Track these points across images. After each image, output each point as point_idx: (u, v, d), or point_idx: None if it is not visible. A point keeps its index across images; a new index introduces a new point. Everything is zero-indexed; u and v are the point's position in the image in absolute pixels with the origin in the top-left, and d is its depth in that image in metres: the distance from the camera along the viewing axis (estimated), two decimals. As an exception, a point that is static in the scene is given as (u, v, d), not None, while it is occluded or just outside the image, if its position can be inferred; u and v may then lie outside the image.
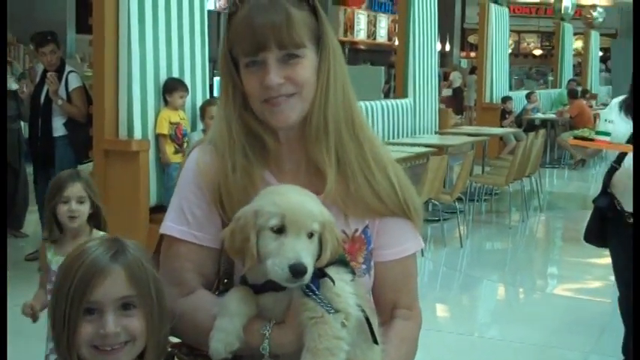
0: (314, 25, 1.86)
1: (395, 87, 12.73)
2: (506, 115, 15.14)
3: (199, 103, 6.90)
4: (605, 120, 4.55)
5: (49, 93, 7.43)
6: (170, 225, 1.95)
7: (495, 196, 11.99)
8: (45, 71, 7.68)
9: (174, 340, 1.94)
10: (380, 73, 19.71)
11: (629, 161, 4.47)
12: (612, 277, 4.93)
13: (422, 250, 8.30)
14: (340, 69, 1.91)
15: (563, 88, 19.27)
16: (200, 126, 6.88)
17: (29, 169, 8.42)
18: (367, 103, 10.61)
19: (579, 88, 18.34)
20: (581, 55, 24.17)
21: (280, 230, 1.73)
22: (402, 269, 2.00)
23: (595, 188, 10.84)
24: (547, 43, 35.25)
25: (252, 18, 1.81)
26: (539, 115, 16.65)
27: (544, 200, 12.18)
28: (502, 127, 14.65)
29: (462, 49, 35.50)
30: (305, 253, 1.71)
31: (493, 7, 15.08)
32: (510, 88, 17.76)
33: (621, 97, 4.75)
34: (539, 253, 9.75)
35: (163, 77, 6.51)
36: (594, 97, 20.93)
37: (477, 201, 11.11)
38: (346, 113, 1.91)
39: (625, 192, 4.50)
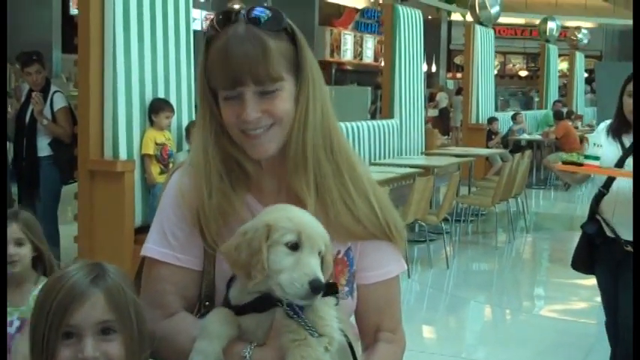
0: (292, 54, 1.84)
1: (381, 107, 12.75)
2: (492, 136, 15.17)
3: (185, 123, 6.88)
4: (594, 144, 4.50)
5: (34, 113, 7.40)
6: (151, 247, 1.93)
7: (482, 217, 11.99)
8: (30, 91, 7.66)
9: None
10: (366, 94, 19.76)
11: (617, 185, 4.45)
12: (598, 299, 4.92)
13: (408, 271, 8.35)
14: (320, 94, 1.88)
15: (549, 109, 19.34)
16: (186, 146, 6.86)
17: (14, 189, 8.37)
18: (354, 123, 10.64)
19: (565, 109, 18.41)
20: (567, 77, 24.27)
21: (295, 246, 1.72)
22: (386, 292, 1.98)
23: (581, 209, 10.88)
24: (532, 65, 35.43)
25: (228, 52, 1.78)
26: (525, 136, 16.69)
27: (530, 221, 12.19)
28: (488, 147, 14.68)
29: (449, 69, 35.61)
30: (319, 270, 1.71)
31: (479, 28, 15.15)
32: (496, 109, 17.80)
33: (608, 122, 4.74)
34: (526, 274, 9.74)
35: (149, 97, 6.49)
36: (580, 118, 21.02)
37: (464, 222, 11.11)
38: (325, 139, 1.88)
39: (614, 216, 4.49)
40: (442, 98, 25.37)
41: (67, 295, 1.69)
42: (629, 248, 4.40)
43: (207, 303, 1.90)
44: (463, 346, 6.75)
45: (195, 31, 7.38)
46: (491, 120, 15.31)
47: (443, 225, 9.48)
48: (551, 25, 20.85)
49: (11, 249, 3.39)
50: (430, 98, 24.50)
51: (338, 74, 28.94)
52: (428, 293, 8.33)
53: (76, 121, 6.92)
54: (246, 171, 1.89)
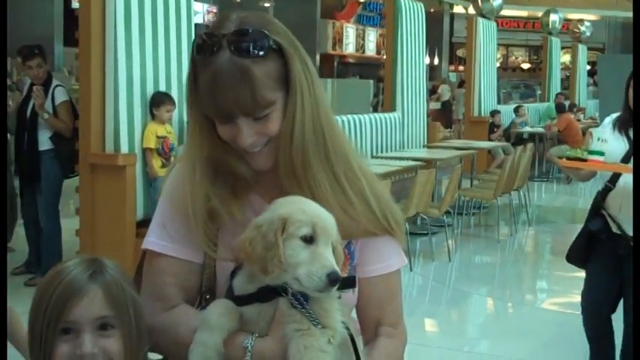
0: (280, 69, 1.80)
1: (383, 100, 12.73)
2: (495, 129, 15.15)
3: (186, 116, 6.84)
4: (599, 139, 4.37)
5: (35, 107, 7.38)
6: (152, 240, 1.93)
7: (484, 210, 11.98)
8: (32, 85, 7.64)
9: (157, 356, 1.93)
10: (368, 87, 19.75)
11: (624, 180, 4.39)
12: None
13: (410, 264, 8.36)
14: (310, 102, 1.85)
15: (551, 102, 19.31)
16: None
17: (17, 183, 8.37)
18: (356, 116, 10.62)
19: (567, 102, 18.38)
20: (569, 69, 24.23)
21: (310, 239, 1.72)
22: (387, 286, 1.98)
23: (584, 202, 10.87)
24: (535, 57, 35.40)
25: (216, 89, 1.76)
26: (528, 129, 16.66)
27: (532, 214, 12.18)
28: (490, 140, 14.66)
29: (451, 62, 35.61)
30: (335, 262, 1.72)
31: (481, 21, 15.11)
32: (499, 102, 17.78)
33: (614, 115, 4.65)
34: (528, 267, 9.74)
35: (150, 91, 6.48)
36: (582, 110, 20.99)
37: (466, 215, 11.12)
38: (318, 146, 1.86)
39: (620, 212, 4.44)
40: (444, 91, 25.33)
41: (65, 290, 1.69)
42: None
43: (207, 296, 1.90)
44: (465, 340, 6.75)
45: (196, 24, 7.36)
46: (494, 113, 15.29)
47: (445, 218, 9.47)
48: (553, 17, 20.82)
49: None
50: (432, 91, 24.47)
51: (340, 67, 28.97)
52: (430, 286, 8.32)
53: (77, 115, 6.91)
54: (243, 175, 1.89)
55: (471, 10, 16.19)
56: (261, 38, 1.77)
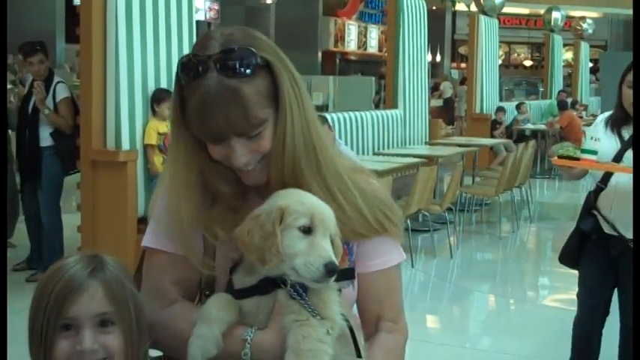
0: (269, 85, 1.78)
1: (385, 97, 12.73)
2: (497, 126, 15.14)
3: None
4: (592, 137, 4.27)
5: (36, 102, 7.39)
6: (150, 237, 1.94)
7: (486, 207, 11.98)
8: (34, 81, 7.64)
9: (156, 353, 1.93)
10: (370, 84, 19.75)
11: (616, 180, 4.34)
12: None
13: (412, 260, 8.36)
14: (299, 116, 1.82)
15: (554, 99, 19.30)
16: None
17: (18, 179, 8.38)
18: (357, 113, 10.63)
19: (569, 99, 18.37)
20: (571, 66, 24.22)
21: (308, 230, 1.72)
22: (386, 281, 1.97)
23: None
24: (537, 54, 35.41)
25: (205, 113, 1.74)
26: (530, 126, 16.66)
27: (534, 211, 12.18)
28: (493, 137, 14.65)
29: (453, 59, 35.61)
30: (332, 253, 1.72)
31: (483, 18, 15.11)
32: (501, 99, 17.78)
33: (607, 113, 4.60)
34: (530, 264, 9.73)
35: (151, 88, 6.47)
36: (584, 107, 20.98)
37: (467, 211, 11.11)
38: (309, 159, 1.84)
39: (611, 212, 4.41)
40: (446, 88, 25.36)
41: (65, 287, 1.69)
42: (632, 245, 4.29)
43: (207, 292, 1.89)
44: (467, 336, 6.75)
45: (198, 22, 7.35)
46: (498, 109, 15.28)
47: (447, 215, 9.47)
48: (555, 14, 20.82)
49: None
50: (434, 88, 24.48)
51: (342, 64, 28.98)
52: (432, 283, 8.32)
53: (78, 111, 6.90)
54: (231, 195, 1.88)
55: (473, 8, 16.17)
56: (248, 56, 1.74)
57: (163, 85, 6.54)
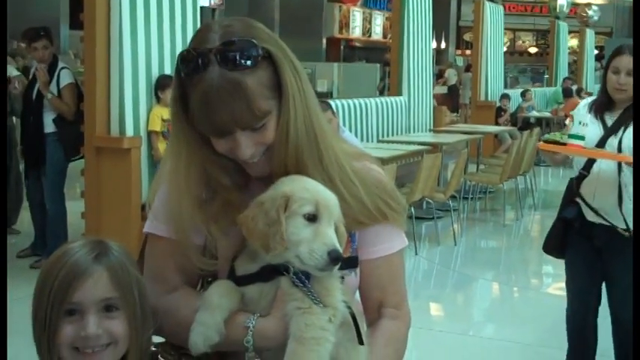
0: (272, 76, 1.76)
1: (390, 84, 12.72)
2: (502, 113, 15.12)
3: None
4: (580, 122, 4.18)
5: (39, 85, 7.39)
6: (152, 223, 1.94)
7: (490, 195, 11.95)
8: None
9: (159, 339, 1.92)
10: (375, 71, 19.71)
11: (598, 167, 4.28)
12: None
13: (415, 248, 8.36)
14: (302, 105, 1.81)
15: (559, 87, 19.26)
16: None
17: (22, 166, 8.40)
18: (362, 100, 10.62)
19: (574, 87, 18.33)
20: (577, 53, 24.16)
21: (313, 218, 1.72)
22: (388, 267, 1.97)
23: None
24: (542, 41, 35.30)
25: (209, 108, 1.73)
26: (534, 114, 16.63)
27: (539, 199, 12.16)
28: (498, 124, 14.63)
29: (458, 46, 35.54)
30: (337, 241, 1.71)
31: (488, 5, 15.06)
32: (505, 86, 17.74)
33: (590, 98, 4.57)
34: (534, 251, 9.70)
35: (155, 74, 6.47)
36: (589, 94, 20.92)
37: (472, 199, 11.10)
38: (312, 150, 1.83)
39: (594, 200, 4.33)
40: (451, 75, 25.28)
41: (69, 272, 1.68)
42: (628, 234, 4.24)
43: (209, 279, 1.90)
44: (470, 324, 6.74)
45: (202, 7, 7.34)
46: (503, 97, 15.25)
47: (451, 202, 9.46)
48: (561, 1, 20.76)
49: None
50: (439, 75, 24.43)
51: (346, 51, 28.94)
52: (435, 270, 8.32)
53: (82, 97, 6.90)
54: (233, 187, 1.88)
55: (478, -6, 16.13)
56: (248, 47, 1.72)
57: (167, 71, 6.53)
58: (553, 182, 14.88)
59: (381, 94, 17.10)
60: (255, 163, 1.82)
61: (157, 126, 6.51)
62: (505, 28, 17.19)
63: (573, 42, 26.15)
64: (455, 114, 20.82)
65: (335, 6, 27.46)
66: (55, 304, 1.67)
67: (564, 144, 4.18)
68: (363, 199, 1.88)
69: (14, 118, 8.59)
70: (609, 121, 4.32)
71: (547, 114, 16.92)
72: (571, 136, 4.16)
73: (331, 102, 8.87)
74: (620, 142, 4.21)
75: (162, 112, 6.49)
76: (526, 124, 15.42)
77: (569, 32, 22.34)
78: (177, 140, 1.85)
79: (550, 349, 5.75)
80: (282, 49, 1.79)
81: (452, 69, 26.55)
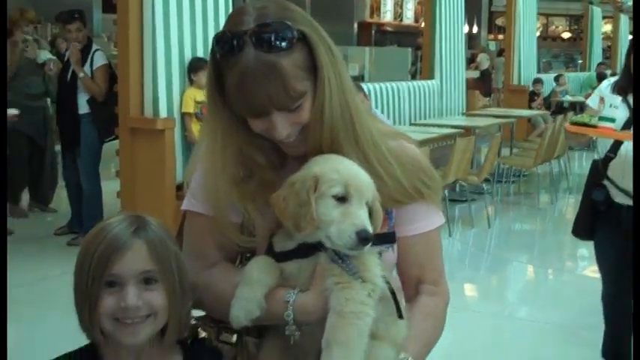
0: (307, 57, 1.76)
1: (421, 68, 12.68)
2: (535, 97, 15.03)
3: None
4: (610, 105, 4.07)
5: (72, 63, 7.45)
6: (191, 201, 1.95)
7: (524, 178, 11.91)
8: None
9: (199, 313, 1.94)
10: (407, 55, 19.68)
11: (626, 148, 4.18)
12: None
13: (449, 229, 8.34)
14: (337, 86, 1.80)
15: (592, 71, 19.11)
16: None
17: (58, 147, 8.50)
18: (394, 84, 10.59)
19: (608, 72, 18.18)
20: (611, 39, 23.96)
21: (343, 199, 1.72)
22: (426, 244, 1.97)
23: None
24: (576, 27, 35.00)
25: (245, 91, 1.72)
26: (568, 98, 16.52)
27: (573, 182, 12.06)
28: (531, 108, 14.54)
29: (490, 31, 35.31)
30: (367, 221, 1.71)
31: (521, -11, 14.95)
32: (538, 71, 17.63)
33: (613, 78, 4.47)
34: (569, 235, 9.53)
35: (188, 56, 6.49)
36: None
37: (505, 182, 11.05)
38: (347, 130, 1.83)
39: (624, 181, 4.24)
40: (483, 60, 25.08)
41: (109, 245, 1.70)
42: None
43: (248, 255, 1.91)
44: (505, 305, 6.74)
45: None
46: (536, 81, 15.15)
47: (484, 185, 9.42)
48: (595, -14, 20.58)
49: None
50: (471, 60, 24.29)
51: (378, 35, 28.83)
52: (469, 252, 8.30)
53: (116, 79, 6.93)
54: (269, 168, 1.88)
55: (511, -22, 16.02)
56: (283, 29, 1.71)
57: (200, 54, 6.55)
58: (587, 166, 14.76)
59: (413, 77, 17.06)
60: (291, 142, 1.81)
61: (190, 108, 6.53)
62: (538, 13, 17.06)
63: (607, 27, 25.92)
64: (487, 98, 20.69)
65: (366, -9, 27.40)
66: (96, 276, 1.69)
67: (594, 126, 4.10)
68: (399, 178, 1.87)
69: (49, 100, 8.66)
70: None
71: (581, 98, 16.78)
72: (602, 119, 4.07)
73: (363, 85, 8.85)
74: None
75: (196, 94, 6.51)
76: (559, 109, 15.32)
77: (603, 18, 22.16)
78: (213, 121, 1.85)
79: (586, 330, 5.73)
80: (316, 30, 1.78)
81: (484, 53, 26.37)
